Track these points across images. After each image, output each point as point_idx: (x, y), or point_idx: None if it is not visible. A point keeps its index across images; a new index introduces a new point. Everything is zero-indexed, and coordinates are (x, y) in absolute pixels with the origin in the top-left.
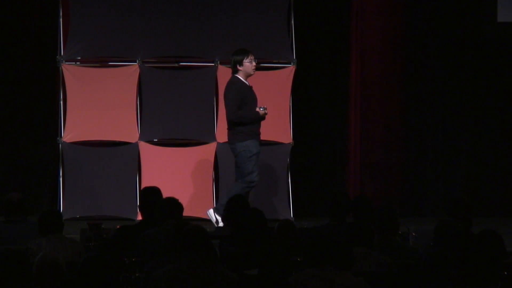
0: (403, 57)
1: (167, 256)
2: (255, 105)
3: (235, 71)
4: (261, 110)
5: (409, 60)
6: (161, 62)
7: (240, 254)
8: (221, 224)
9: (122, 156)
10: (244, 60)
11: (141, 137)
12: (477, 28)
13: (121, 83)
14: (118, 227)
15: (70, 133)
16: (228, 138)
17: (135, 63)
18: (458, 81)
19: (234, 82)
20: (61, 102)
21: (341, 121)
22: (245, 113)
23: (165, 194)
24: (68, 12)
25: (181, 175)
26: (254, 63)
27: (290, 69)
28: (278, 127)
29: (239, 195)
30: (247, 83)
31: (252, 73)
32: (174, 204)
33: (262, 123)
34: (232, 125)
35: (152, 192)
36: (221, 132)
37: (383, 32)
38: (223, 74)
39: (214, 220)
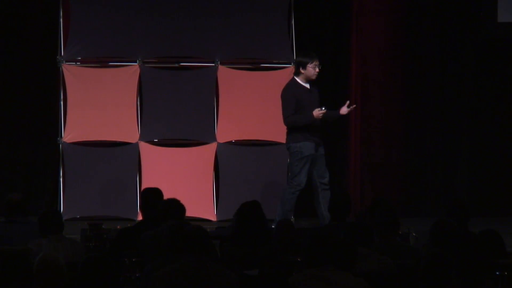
0: (403, 57)
1: (167, 256)
2: (316, 107)
3: (297, 73)
4: (316, 111)
5: (409, 60)
6: (161, 62)
7: (240, 254)
8: None
9: (123, 156)
10: (308, 65)
11: (142, 137)
12: (477, 28)
13: (121, 83)
14: (118, 227)
15: (70, 133)
16: (286, 139)
17: (136, 63)
18: (458, 81)
19: (290, 86)
20: (62, 102)
21: (341, 122)
22: (297, 117)
23: (165, 194)
24: (69, 12)
25: (181, 175)
26: (317, 69)
27: (290, 69)
28: (278, 127)
29: (254, 202)
30: (306, 86)
31: (313, 78)
32: (176, 205)
33: (262, 122)
34: (288, 127)
35: (153, 193)
36: (221, 132)
37: (383, 32)
38: (224, 74)
39: None
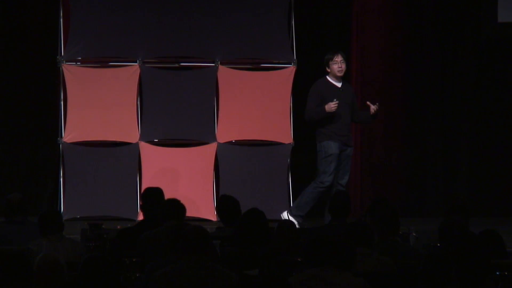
0: (403, 57)
1: (167, 256)
2: (344, 106)
3: (326, 72)
4: (329, 104)
5: (410, 60)
6: (161, 62)
7: (240, 254)
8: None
9: (123, 156)
10: (330, 62)
11: (142, 138)
12: (477, 28)
13: (121, 84)
14: (118, 227)
15: (70, 134)
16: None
17: (136, 64)
18: (458, 81)
19: (317, 83)
20: (62, 103)
21: None
22: (313, 110)
23: (166, 194)
24: (69, 12)
25: (182, 176)
26: (341, 65)
27: (291, 69)
28: (278, 127)
29: (229, 196)
30: (337, 84)
31: (338, 75)
32: (176, 206)
33: (262, 122)
34: (312, 125)
35: (154, 193)
36: (222, 132)
37: (383, 32)
38: (224, 74)
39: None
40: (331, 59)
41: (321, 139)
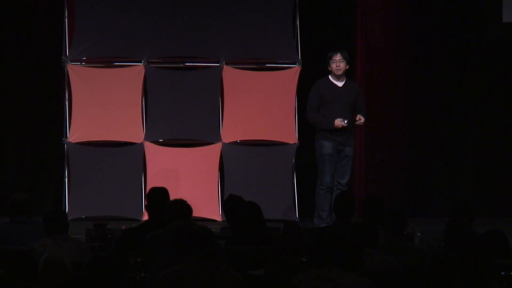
0: (408, 57)
1: (173, 256)
2: (343, 105)
3: (328, 70)
4: (339, 121)
5: (414, 60)
6: (166, 62)
7: (245, 254)
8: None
9: (127, 156)
10: (330, 60)
11: (146, 138)
12: (482, 28)
13: (126, 84)
14: (123, 227)
15: (75, 134)
16: None
17: (141, 64)
18: (463, 82)
19: (317, 82)
20: (66, 103)
21: None
22: (319, 118)
23: (170, 194)
24: (74, 12)
25: (186, 176)
26: (339, 64)
27: (296, 69)
28: (283, 127)
29: (236, 195)
30: (337, 83)
31: (336, 73)
32: (182, 206)
33: (267, 122)
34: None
35: (159, 193)
36: (226, 132)
37: (388, 32)
38: (228, 74)
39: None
40: (331, 57)
41: (317, 139)
